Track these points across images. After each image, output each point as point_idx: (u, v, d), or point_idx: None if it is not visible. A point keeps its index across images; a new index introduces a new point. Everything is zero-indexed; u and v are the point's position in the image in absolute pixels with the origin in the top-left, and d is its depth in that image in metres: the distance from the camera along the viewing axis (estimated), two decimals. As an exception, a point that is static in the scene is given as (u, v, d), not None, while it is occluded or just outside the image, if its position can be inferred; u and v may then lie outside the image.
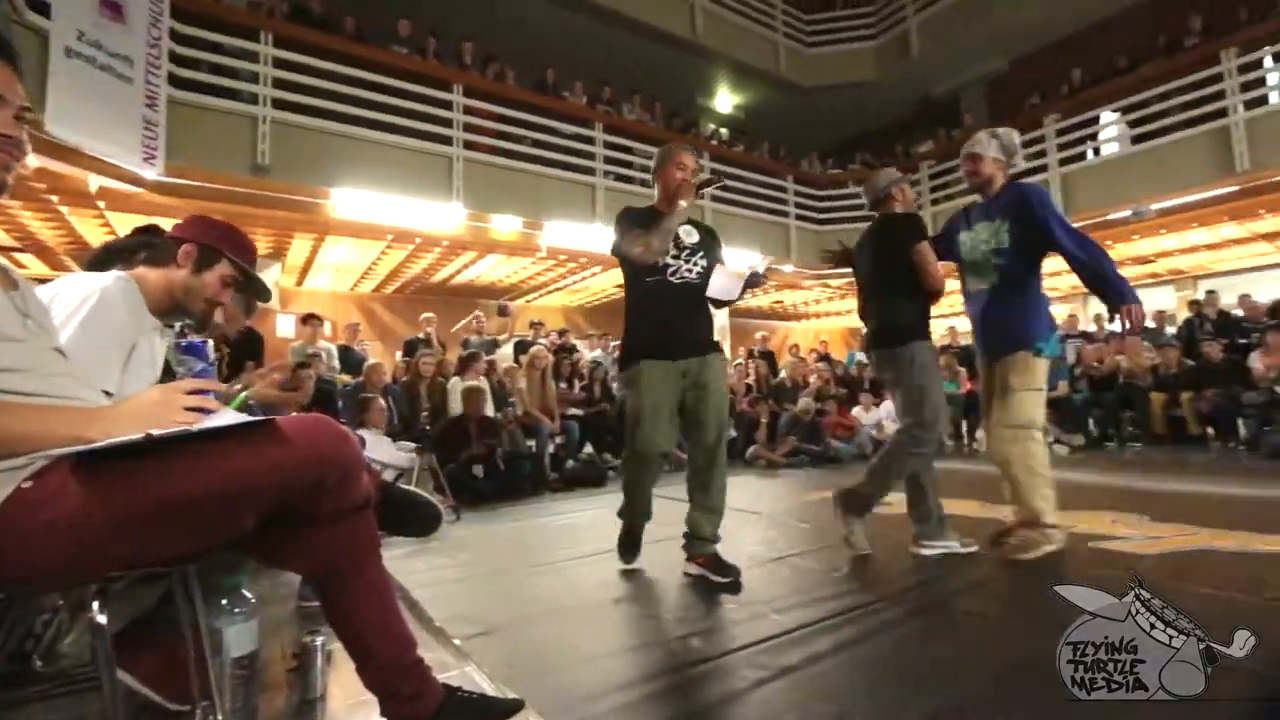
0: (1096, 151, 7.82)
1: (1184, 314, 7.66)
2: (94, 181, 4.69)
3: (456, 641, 1.74)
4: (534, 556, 2.79)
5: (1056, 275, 9.24)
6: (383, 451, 3.91)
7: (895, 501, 3.73)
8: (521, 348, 6.58)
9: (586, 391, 6.41)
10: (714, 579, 2.17)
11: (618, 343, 7.91)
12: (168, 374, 1.35)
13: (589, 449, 5.99)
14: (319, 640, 1.43)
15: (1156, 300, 8.92)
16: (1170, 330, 7.37)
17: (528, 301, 9.89)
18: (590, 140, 7.53)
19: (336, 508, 1.06)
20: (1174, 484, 4.00)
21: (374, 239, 6.55)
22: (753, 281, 2.30)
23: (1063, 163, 7.68)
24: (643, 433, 2.21)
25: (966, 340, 7.49)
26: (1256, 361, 5.71)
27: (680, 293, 2.27)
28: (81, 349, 1.09)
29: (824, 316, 12.14)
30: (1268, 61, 6.44)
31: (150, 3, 4.84)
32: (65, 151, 4.27)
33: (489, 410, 5.11)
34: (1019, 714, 1.29)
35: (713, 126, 10.64)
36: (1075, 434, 6.41)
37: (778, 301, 10.69)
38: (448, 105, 6.52)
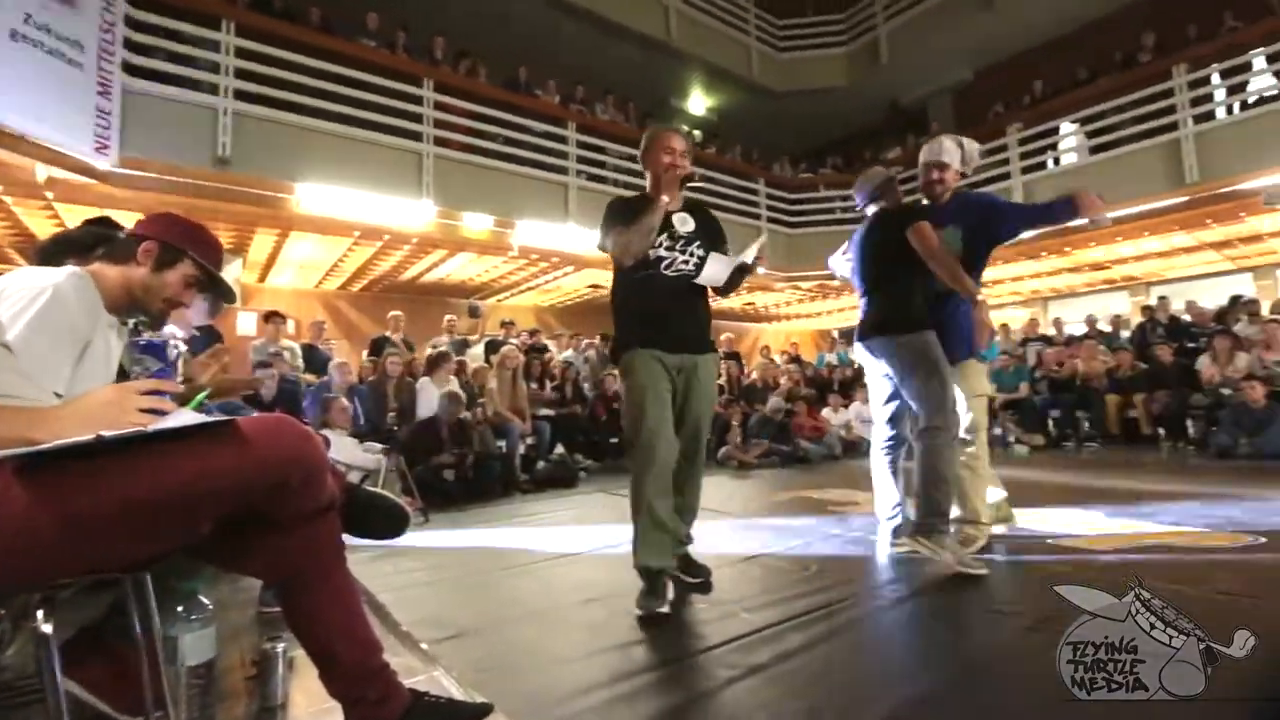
0: (1057, 161, 8.09)
1: (1137, 319, 7.97)
2: (42, 171, 4.49)
3: (424, 645, 1.72)
4: (504, 559, 2.77)
5: (1019, 280, 9.56)
6: (348, 452, 3.84)
7: (864, 501, 3.80)
8: (492, 347, 6.52)
9: (558, 392, 6.39)
10: (685, 580, 2.17)
11: (590, 342, 7.96)
12: (123, 375, 1.30)
13: (560, 449, 5.97)
14: (280, 646, 1.39)
15: (1112, 305, 9.27)
16: (1124, 334, 7.65)
17: (499, 301, 9.80)
18: (563, 140, 7.50)
19: (300, 510, 1.03)
20: (1128, 482, 4.16)
21: (340, 235, 6.41)
22: (742, 269, 2.16)
23: (1025, 171, 7.92)
24: (649, 421, 1.98)
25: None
26: (1204, 366, 5.98)
27: (675, 286, 2.11)
28: (31, 347, 1.04)
29: (795, 319, 12.31)
30: (1215, 79, 6.75)
31: (103, -14, 4.67)
32: (10, 139, 4.09)
33: (463, 414, 5.04)
34: (980, 706, 1.32)
35: (686, 128, 10.70)
36: (1035, 434, 6.62)
37: (749, 303, 10.80)
38: (418, 101, 6.42)
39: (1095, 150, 7.52)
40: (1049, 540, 2.65)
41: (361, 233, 6.32)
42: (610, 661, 1.59)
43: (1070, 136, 7.96)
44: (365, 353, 6.66)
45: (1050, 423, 6.81)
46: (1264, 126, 6.22)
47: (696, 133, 10.78)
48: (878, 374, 2.57)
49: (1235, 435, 5.20)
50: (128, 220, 1.43)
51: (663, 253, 2.11)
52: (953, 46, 9.55)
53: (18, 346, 1.02)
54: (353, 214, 5.99)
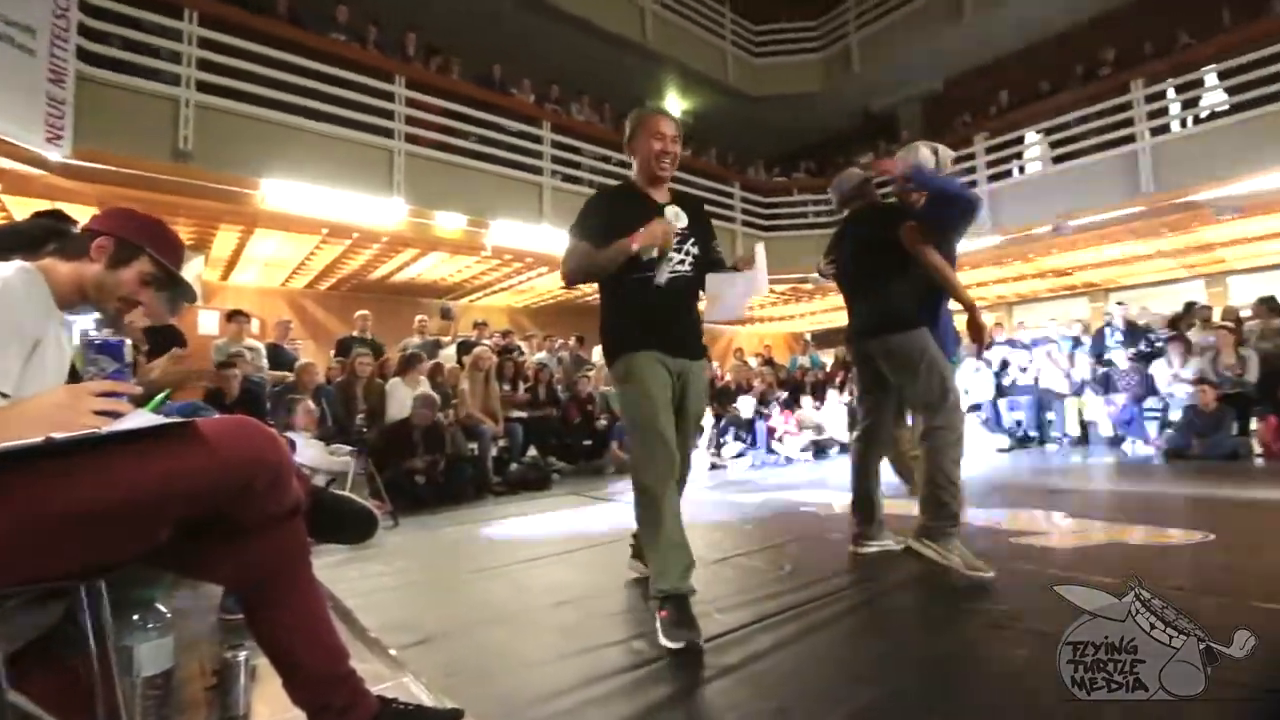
0: (1021, 170, 8.34)
1: (1097, 323, 8.24)
2: (-12, 161, 4.31)
3: (392, 651, 1.69)
4: (475, 562, 2.74)
5: (984, 285, 9.81)
6: (313, 455, 3.77)
7: (837, 502, 3.85)
8: (465, 348, 6.46)
9: (531, 394, 6.35)
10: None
11: (564, 343, 7.92)
12: (75, 376, 1.26)
13: (533, 452, 5.93)
14: (242, 655, 1.36)
15: (1073, 310, 9.57)
16: (1085, 339, 7.91)
17: (471, 301, 9.70)
18: (538, 139, 7.47)
19: (263, 515, 1.01)
20: (1086, 482, 4.30)
21: (307, 233, 6.28)
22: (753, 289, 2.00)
23: (991, 179, 8.14)
24: (660, 430, 1.81)
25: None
26: (1159, 370, 6.21)
27: (672, 287, 1.93)
28: (-26, 345, 1.00)
29: (768, 321, 12.44)
30: (1170, 93, 7.02)
31: (57, -30, 4.50)
32: (-46, 127, 3.92)
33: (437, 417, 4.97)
34: (947, 703, 1.36)
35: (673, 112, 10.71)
36: (1001, 435, 6.80)
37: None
38: (389, 97, 6.33)
39: (1058, 160, 7.77)
40: (1012, 540, 2.72)
41: (329, 230, 6.21)
42: (582, 664, 1.58)
43: (1034, 146, 8.21)
44: (332, 353, 6.53)
45: (1015, 424, 7.01)
46: (1214, 140, 6.50)
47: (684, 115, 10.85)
48: (865, 375, 2.55)
49: (1188, 436, 5.41)
50: (81, 214, 1.38)
51: (655, 252, 1.94)
52: (923, 56, 9.76)
53: (-39, 345, 0.98)
54: (320, 211, 5.87)
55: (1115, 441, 6.45)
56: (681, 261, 1.96)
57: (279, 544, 1.06)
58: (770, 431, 6.68)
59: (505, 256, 7.40)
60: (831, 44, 10.61)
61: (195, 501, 0.93)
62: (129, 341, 1.22)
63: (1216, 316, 6.96)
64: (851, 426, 7.10)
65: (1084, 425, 6.75)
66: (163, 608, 1.27)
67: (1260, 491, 3.81)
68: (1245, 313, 6.85)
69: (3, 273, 1.09)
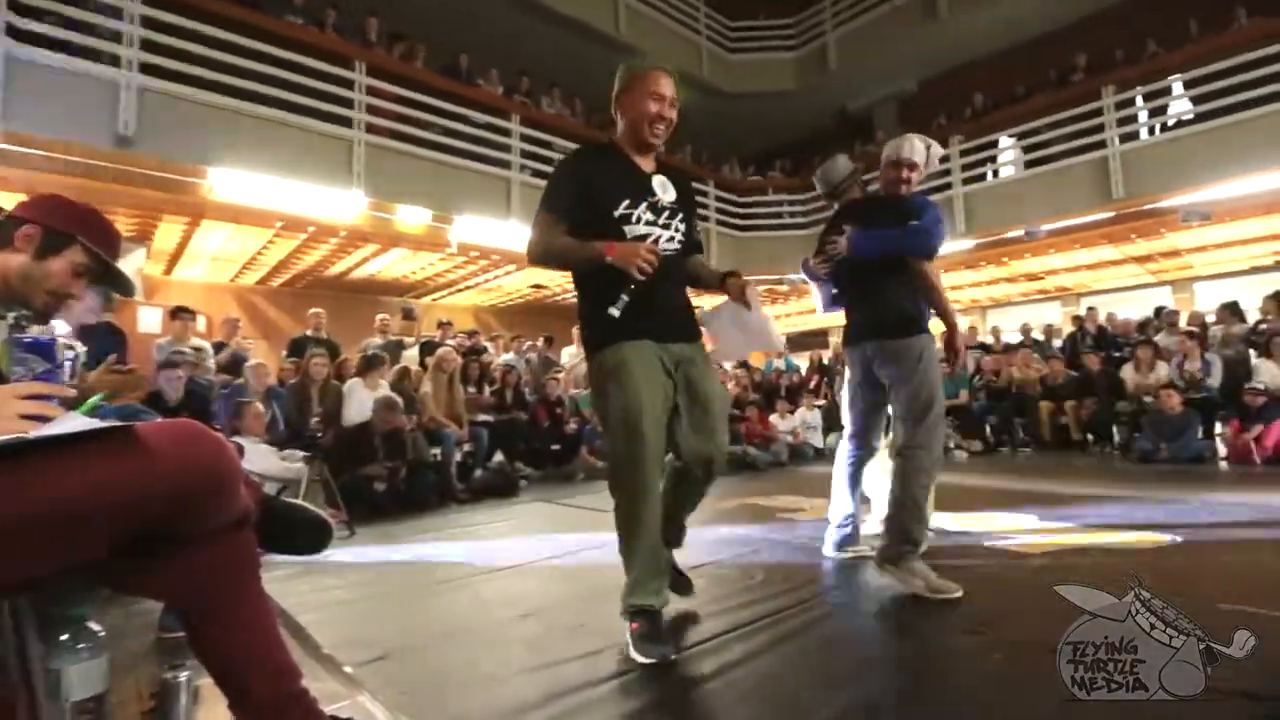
0: (996, 174, 8.58)
1: (1068, 328, 8.53)
2: (-96, 144, 4.11)
3: (347, 669, 1.66)
4: (436, 574, 2.70)
5: (958, 289, 10.07)
6: (263, 461, 3.68)
7: (810, 508, 3.91)
8: (428, 349, 6.37)
9: (498, 397, 6.30)
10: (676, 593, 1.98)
11: (532, 344, 7.88)
12: (2, 378, 1.20)
13: (499, 457, 5.88)
14: (183, 676, 1.31)
15: (1045, 315, 9.89)
16: (1057, 343, 8.17)
17: (435, 300, 9.59)
18: (506, 132, 7.42)
19: (208, 526, 0.98)
20: (1059, 486, 4.44)
21: (259, 226, 6.14)
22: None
23: (965, 182, 8.36)
24: (643, 446, 1.64)
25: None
26: (1128, 375, 6.46)
27: (661, 266, 1.71)
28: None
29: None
30: (1139, 100, 7.32)
31: (-16, -61, 4.32)
32: None
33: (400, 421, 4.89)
34: (921, 710, 1.38)
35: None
36: (973, 440, 6.98)
37: (696, 306, 10.94)
38: (348, 84, 6.22)
39: (1030, 165, 8.02)
40: (985, 544, 2.79)
41: (284, 224, 6.08)
42: (546, 679, 1.57)
43: (1008, 150, 8.46)
44: (285, 353, 6.39)
45: (987, 428, 7.21)
46: (1182, 148, 6.80)
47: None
48: (860, 380, 2.49)
49: (1155, 441, 5.63)
50: (9, 203, 1.32)
51: (643, 229, 1.77)
52: (898, 56, 9.99)
53: None
54: (274, 203, 5.75)
55: (1086, 445, 6.68)
56: (670, 239, 1.82)
57: (225, 556, 1.02)
58: (745, 436, 6.73)
59: (471, 253, 7.34)
60: (808, 42, 10.78)
61: (133, 512, 0.89)
62: (61, 339, 1.17)
63: (1183, 322, 7.26)
64: (827, 432, 7.26)
65: (1056, 428, 6.96)
66: (95, 626, 1.22)
67: (1224, 494, 3.98)
68: (1210, 318, 7.16)
69: (-82, 264, 1.03)
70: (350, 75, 6.24)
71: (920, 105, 10.63)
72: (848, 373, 2.68)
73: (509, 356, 7.47)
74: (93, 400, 1.22)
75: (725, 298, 1.95)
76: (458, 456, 5.29)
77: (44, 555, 0.87)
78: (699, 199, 9.44)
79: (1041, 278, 9.55)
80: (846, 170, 2.65)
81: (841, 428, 2.73)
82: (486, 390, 6.34)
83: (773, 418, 7.47)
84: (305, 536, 1.45)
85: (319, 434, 4.71)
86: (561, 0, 8.68)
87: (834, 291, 2.61)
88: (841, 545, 2.62)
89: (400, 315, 7.29)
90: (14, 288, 1.18)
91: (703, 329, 1.96)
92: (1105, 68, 8.04)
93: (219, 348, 5.78)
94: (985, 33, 9.43)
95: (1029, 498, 3.98)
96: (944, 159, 8.34)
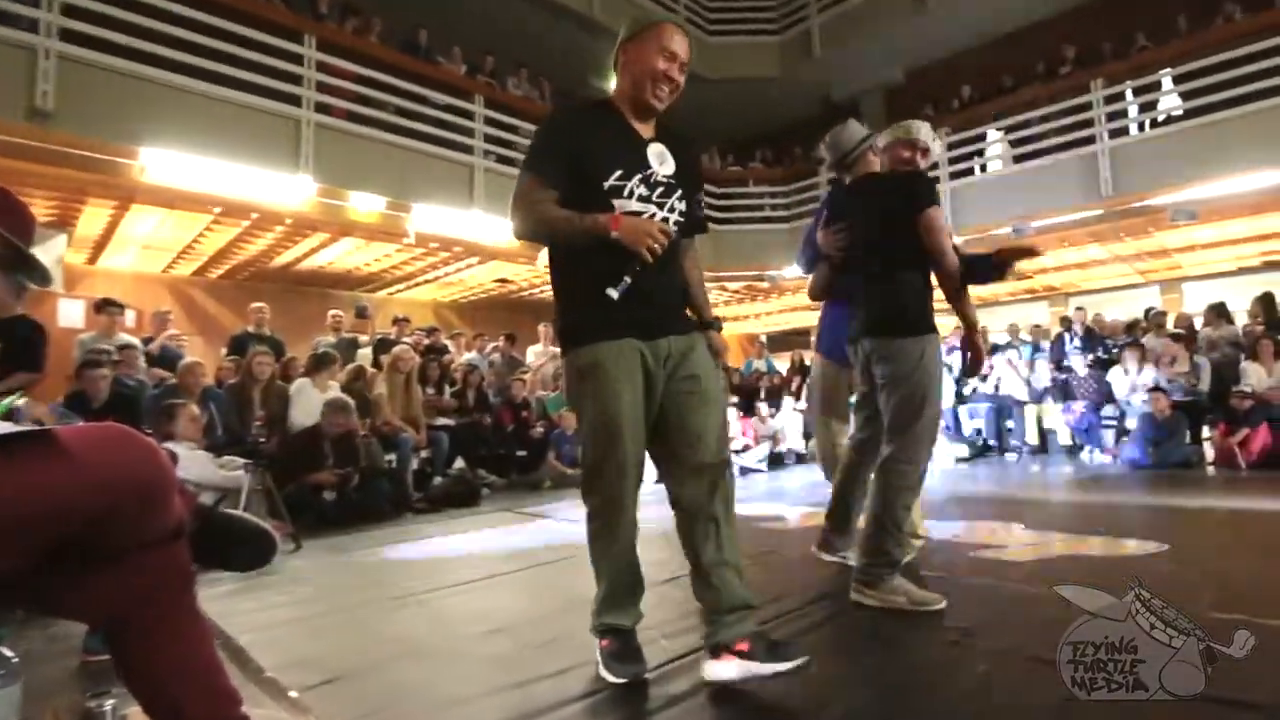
0: (983, 168, 8.78)
1: (1056, 329, 8.76)
2: None
3: (293, 693, 1.63)
4: (391, 589, 2.67)
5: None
6: (199, 469, 3.59)
7: (790, 515, 3.95)
8: (383, 347, 6.28)
9: (459, 398, 6.24)
10: (767, 671, 1.49)
11: (496, 345, 7.81)
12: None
13: (460, 463, 5.84)
14: (108, 704, 1.28)
15: (1033, 315, 10.14)
16: (1044, 344, 8.39)
17: (391, 294, 9.46)
18: (469, 115, 7.35)
19: (136, 540, 0.95)
20: (1045, 493, 4.57)
21: (196, 211, 5.98)
22: None
23: (953, 176, 8.54)
24: (617, 455, 1.58)
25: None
26: (1115, 377, 6.67)
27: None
28: None
29: (721, 322, 12.66)
30: (1128, 95, 7.56)
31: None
32: None
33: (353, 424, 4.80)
34: (904, 728, 1.41)
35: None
36: (959, 444, 7.14)
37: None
38: (297, 59, 6.09)
39: (1019, 159, 8.22)
40: (970, 553, 2.86)
41: (223, 209, 5.93)
42: (514, 700, 1.56)
43: (996, 144, 8.66)
44: (224, 351, 6.24)
45: (975, 433, 7.38)
46: (1171, 145, 7.03)
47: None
48: (861, 381, 2.43)
49: (1143, 445, 5.83)
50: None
51: (635, 205, 1.62)
52: (885, 44, 10.14)
53: None
54: (213, 187, 5.61)
55: (1074, 450, 6.87)
56: (666, 218, 1.66)
57: (156, 573, 1.00)
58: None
59: (430, 245, 7.25)
60: (791, 26, 10.88)
61: (52, 525, 0.86)
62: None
63: (1170, 323, 7.52)
64: (808, 436, 7.35)
65: (1043, 433, 7.16)
66: (8, 651, 1.18)
67: (1212, 500, 4.14)
68: (1198, 320, 7.43)
69: None
70: (299, 50, 6.11)
71: (907, 96, 10.81)
72: (815, 370, 2.71)
73: (471, 355, 7.41)
74: (7, 401, 1.17)
75: None
76: (415, 463, 5.25)
77: (-50, 572, 0.84)
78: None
79: (1029, 276, 9.79)
80: (859, 136, 2.51)
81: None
82: (446, 392, 6.29)
83: (752, 420, 7.53)
84: (245, 550, 1.41)
85: (262, 439, 4.62)
86: (530, -26, 8.63)
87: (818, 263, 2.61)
88: (831, 547, 2.66)
89: (355, 314, 7.17)
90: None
91: None
92: (1094, 61, 8.28)
93: (148, 343, 5.62)
94: (973, 22, 9.62)
95: (1015, 505, 4.08)
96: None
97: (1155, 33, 7.99)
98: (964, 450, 7.10)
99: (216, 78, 5.58)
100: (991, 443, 7.31)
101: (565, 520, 4.02)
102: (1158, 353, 6.71)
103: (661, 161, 1.69)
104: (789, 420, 7.48)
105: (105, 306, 5.44)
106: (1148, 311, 7.90)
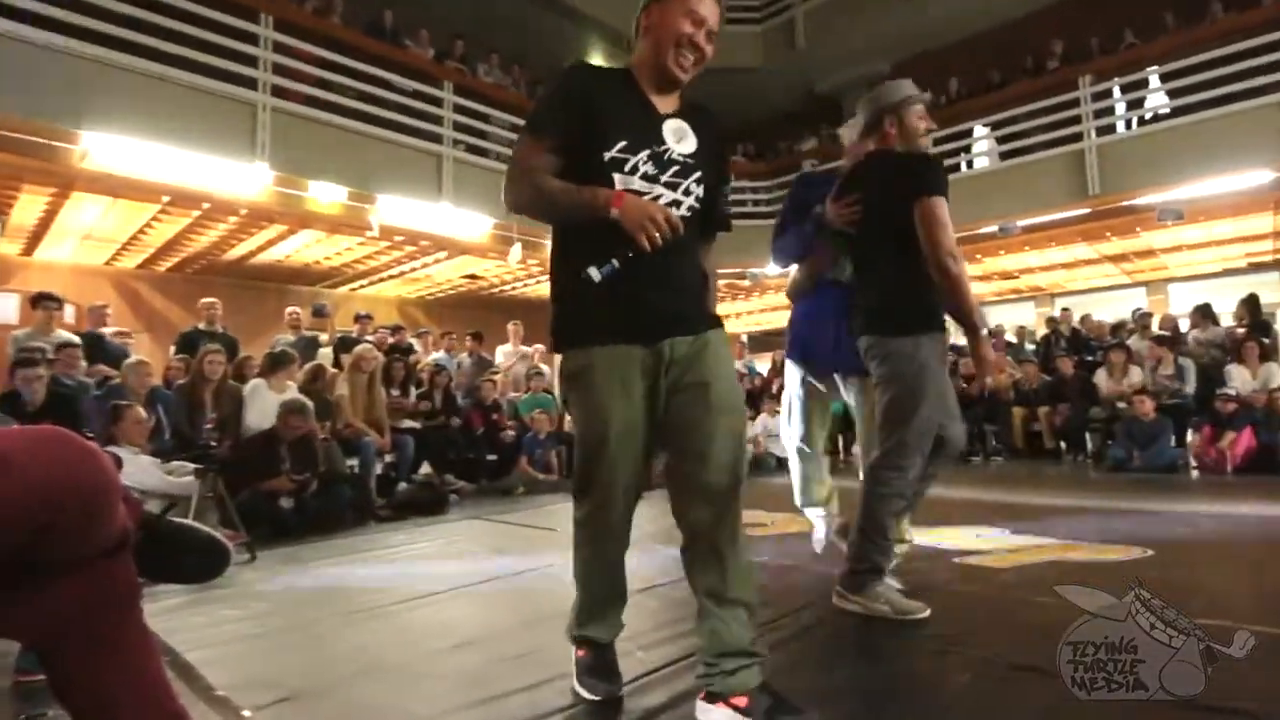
0: (970, 165, 8.94)
1: (1042, 330, 8.96)
2: None
3: (246, 713, 1.61)
4: (353, 602, 2.64)
5: (931, 287, 10.45)
6: (145, 475, 3.53)
7: (770, 522, 3.98)
8: (344, 346, 6.21)
9: (425, 400, 6.19)
10: None
11: (470, 345, 7.76)
12: None
13: (426, 468, 5.80)
14: (45, 726, 1.25)
15: (1019, 316, 10.36)
16: (1030, 346, 8.58)
17: (352, 289, 9.35)
18: (438, 102, 7.30)
19: (77, 551, 0.93)
20: (1030, 497, 4.67)
21: (142, 200, 5.87)
22: None
23: (941, 172, 8.68)
24: (604, 471, 1.52)
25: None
26: (1101, 379, 6.83)
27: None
28: None
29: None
30: (1116, 92, 7.75)
31: None
32: None
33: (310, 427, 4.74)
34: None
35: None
36: (945, 449, 7.26)
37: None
38: (252, 39, 6.00)
39: (1005, 156, 8.39)
40: (955, 559, 2.91)
41: (172, 198, 5.84)
42: (484, 717, 1.56)
43: (982, 140, 8.83)
44: (173, 349, 6.12)
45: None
46: (1159, 143, 7.23)
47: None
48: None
49: (1128, 448, 5.98)
50: None
51: (638, 184, 1.49)
52: (871, 36, 10.27)
53: None
54: (161, 174, 5.52)
55: (1058, 453, 7.02)
56: (678, 203, 1.52)
57: (98, 586, 0.98)
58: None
59: (396, 238, 7.19)
60: (775, 15, 10.97)
61: (-17, 534, 0.84)
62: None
63: (1156, 325, 7.73)
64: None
65: (1028, 436, 7.30)
66: (-66, 671, 1.14)
67: (1196, 505, 4.26)
68: (1184, 322, 7.65)
69: None
70: (255, 29, 6.02)
71: (892, 89, 10.97)
72: (790, 373, 2.70)
73: (439, 355, 7.35)
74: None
75: None
76: (378, 468, 5.21)
77: None
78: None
79: (1016, 276, 9.99)
80: (906, 94, 2.34)
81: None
82: (412, 393, 6.23)
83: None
84: (195, 562, 1.39)
85: (213, 443, 4.55)
86: (503, -44, 8.60)
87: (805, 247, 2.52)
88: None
89: (311, 313, 7.07)
90: None
91: None
92: (1082, 57, 8.48)
93: (92, 340, 5.50)
94: (960, 15, 9.79)
95: (1000, 510, 4.16)
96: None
97: (1143, 29, 8.20)
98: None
99: (166, 57, 5.48)
100: (976, 445, 7.43)
101: (538, 528, 4.00)
102: (1143, 355, 6.89)
103: (680, 138, 1.56)
104: (770, 423, 7.54)
105: (41, 301, 5.31)
106: (1136, 313, 8.12)
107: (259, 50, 6.02)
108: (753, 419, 7.58)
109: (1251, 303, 7.20)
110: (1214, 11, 7.68)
